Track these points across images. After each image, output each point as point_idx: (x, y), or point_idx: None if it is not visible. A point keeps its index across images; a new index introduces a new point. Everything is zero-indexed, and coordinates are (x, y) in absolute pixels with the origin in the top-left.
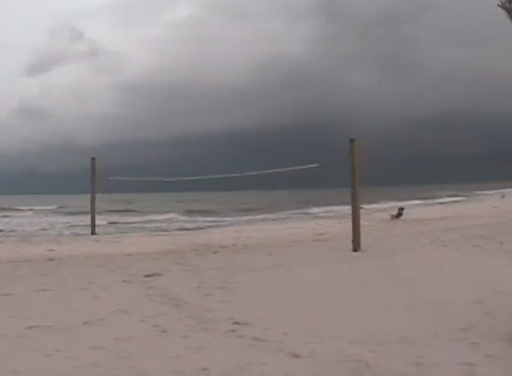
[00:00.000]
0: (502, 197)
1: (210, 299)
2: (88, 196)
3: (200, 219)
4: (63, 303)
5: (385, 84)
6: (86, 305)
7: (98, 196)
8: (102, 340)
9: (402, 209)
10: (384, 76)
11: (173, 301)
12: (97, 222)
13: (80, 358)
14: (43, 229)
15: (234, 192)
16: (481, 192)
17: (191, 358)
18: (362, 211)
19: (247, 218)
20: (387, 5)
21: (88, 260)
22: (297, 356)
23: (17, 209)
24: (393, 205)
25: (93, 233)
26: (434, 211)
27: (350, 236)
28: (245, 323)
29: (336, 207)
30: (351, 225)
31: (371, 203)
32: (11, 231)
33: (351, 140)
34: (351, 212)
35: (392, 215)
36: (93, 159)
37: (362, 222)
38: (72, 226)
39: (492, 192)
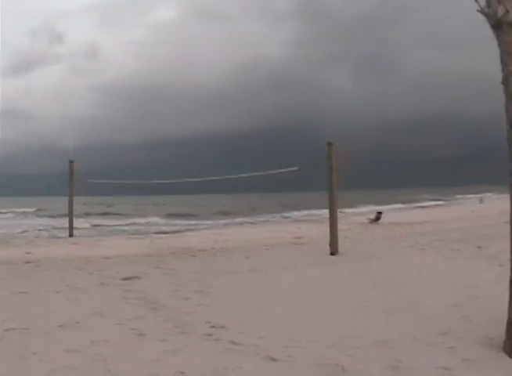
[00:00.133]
0: (481, 201)
1: (187, 303)
2: (75, 198)
3: (179, 222)
4: (40, 306)
5: (364, 87)
6: (63, 308)
7: (77, 199)
8: (79, 343)
9: (379, 213)
10: (362, 78)
11: (151, 304)
12: (79, 225)
13: (56, 361)
14: (24, 232)
15: (214, 195)
16: (461, 196)
17: (168, 361)
18: (340, 214)
19: (226, 221)
20: (366, 9)
21: (66, 263)
22: (274, 360)
23: None
24: (372, 209)
25: (71, 235)
26: (412, 215)
27: (328, 240)
28: (222, 327)
29: (315, 211)
30: (329, 228)
31: (350, 207)
32: None
33: (329, 143)
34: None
35: (370, 219)
36: (71, 162)
37: (340, 225)
38: (52, 229)
39: (471, 196)
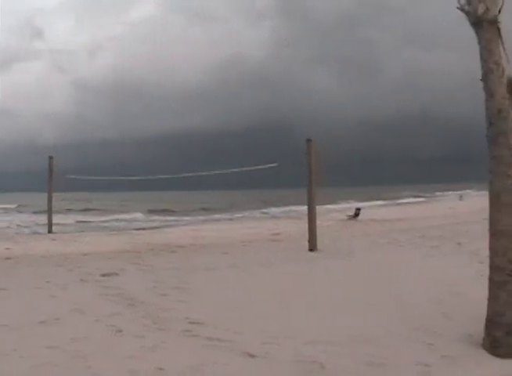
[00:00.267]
0: (461, 198)
1: (166, 299)
2: (54, 195)
3: (158, 219)
4: (20, 302)
5: (345, 87)
6: (42, 305)
7: (56, 195)
8: (59, 339)
9: (358, 209)
10: (343, 78)
11: (129, 300)
12: (60, 221)
13: (36, 357)
14: (4, 228)
15: (195, 191)
16: (441, 193)
17: (146, 358)
18: (318, 211)
19: (205, 217)
20: (346, 8)
21: (45, 259)
22: (252, 356)
23: None
24: (352, 206)
25: (50, 231)
26: (392, 212)
27: (306, 237)
28: (200, 323)
29: (294, 208)
30: (307, 225)
31: (331, 203)
32: None
33: (308, 140)
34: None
35: (349, 216)
36: (50, 158)
37: (318, 222)
38: (33, 225)
39: (451, 193)
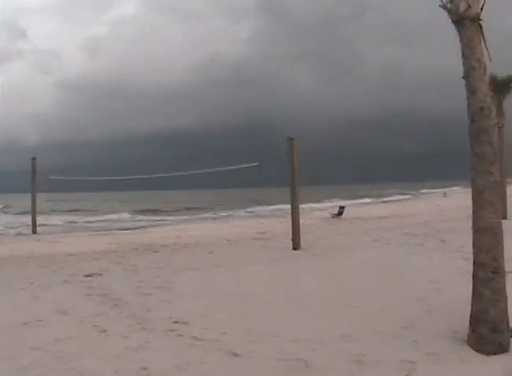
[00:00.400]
0: (445, 195)
1: (150, 299)
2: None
3: (143, 218)
4: (4, 303)
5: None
6: (26, 306)
7: (40, 196)
8: (43, 340)
9: (342, 207)
10: (325, 76)
11: (113, 301)
12: (45, 222)
13: (20, 359)
14: None
15: (182, 191)
16: (428, 190)
17: (131, 358)
18: (303, 209)
19: (190, 217)
20: (326, 6)
21: (30, 260)
22: (236, 355)
23: None
24: (337, 204)
25: (34, 232)
26: (377, 210)
27: (290, 235)
28: (185, 323)
29: (280, 206)
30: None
31: (316, 202)
32: None
33: (290, 139)
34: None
35: (333, 214)
36: (33, 159)
37: (303, 220)
38: (18, 226)
39: (436, 190)
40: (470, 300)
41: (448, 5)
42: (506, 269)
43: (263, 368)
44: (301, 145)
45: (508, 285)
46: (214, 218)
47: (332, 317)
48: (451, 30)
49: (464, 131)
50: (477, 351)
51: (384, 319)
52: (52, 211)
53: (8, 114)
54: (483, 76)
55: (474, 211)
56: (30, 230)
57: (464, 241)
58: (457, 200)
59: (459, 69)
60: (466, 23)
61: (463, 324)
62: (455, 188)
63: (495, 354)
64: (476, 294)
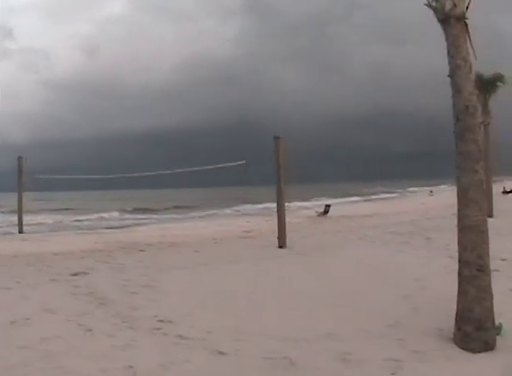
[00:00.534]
0: (431, 193)
1: (136, 298)
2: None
3: (130, 217)
4: None
5: (314, 83)
6: (13, 305)
7: (31, 195)
8: (30, 339)
9: (328, 206)
10: (312, 75)
11: (99, 300)
12: (34, 221)
13: (7, 358)
14: None
15: (173, 189)
16: (416, 189)
17: (117, 356)
18: (289, 208)
19: (178, 215)
20: (313, 6)
21: (17, 259)
22: (223, 354)
23: None
24: (323, 203)
25: (21, 231)
26: (363, 208)
27: (277, 234)
28: (170, 321)
29: (267, 205)
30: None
31: (304, 200)
32: None
33: (276, 137)
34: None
35: (318, 212)
36: (20, 158)
37: (289, 219)
38: (5, 225)
39: (423, 188)
40: (456, 298)
41: (434, 4)
42: (492, 267)
43: (249, 366)
44: (288, 144)
45: (494, 283)
46: (201, 217)
47: (317, 316)
48: (438, 28)
49: (452, 129)
50: (462, 349)
51: (370, 317)
52: (41, 210)
53: None
54: (468, 74)
55: (459, 210)
56: (16, 229)
57: (450, 239)
58: (443, 198)
59: (446, 68)
60: (452, 21)
61: (449, 322)
62: (442, 186)
63: (480, 352)
64: (461, 293)
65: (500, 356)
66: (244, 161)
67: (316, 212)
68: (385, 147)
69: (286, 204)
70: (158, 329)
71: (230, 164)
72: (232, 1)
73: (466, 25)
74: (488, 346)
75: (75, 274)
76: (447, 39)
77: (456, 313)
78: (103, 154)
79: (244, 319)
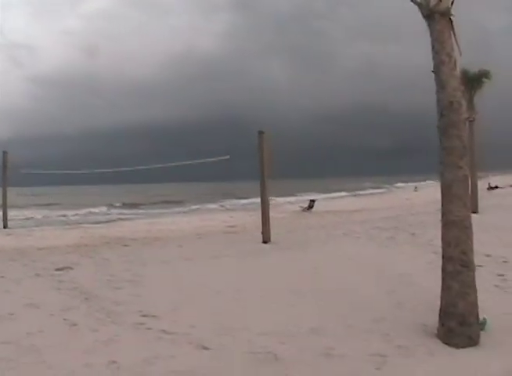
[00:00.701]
0: (416, 189)
1: (119, 292)
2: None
3: (117, 212)
4: None
5: (300, 79)
6: None
7: (17, 190)
8: (13, 334)
9: (313, 201)
10: (298, 70)
11: (83, 294)
12: (19, 216)
13: None
14: None
15: (163, 184)
16: (404, 184)
17: (101, 351)
18: (272, 202)
19: (162, 210)
20: (299, 1)
21: (1, 254)
22: (206, 349)
23: None
24: (309, 198)
25: (5, 226)
26: (349, 204)
27: (261, 229)
28: (154, 316)
29: (252, 200)
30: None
31: (290, 195)
32: None
33: (260, 133)
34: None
35: (303, 207)
36: (5, 153)
37: (273, 214)
38: None
39: (409, 184)
40: (439, 293)
41: (419, 0)
42: (477, 263)
43: (233, 361)
44: (273, 139)
45: (478, 279)
46: (185, 212)
47: (302, 311)
48: (423, 25)
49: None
50: (446, 344)
51: (355, 312)
52: (29, 205)
53: None
54: (453, 70)
55: (442, 205)
56: (1, 225)
57: (434, 235)
58: (428, 193)
59: (430, 64)
60: (437, 17)
61: (434, 318)
62: (428, 182)
63: (464, 347)
64: (445, 288)
65: (484, 351)
66: (228, 156)
67: (301, 207)
68: (372, 143)
69: (271, 198)
70: (142, 324)
71: (213, 159)
72: None
73: (451, 21)
74: (471, 341)
75: (60, 269)
76: (431, 35)
77: (440, 309)
78: (91, 150)
79: (228, 314)
